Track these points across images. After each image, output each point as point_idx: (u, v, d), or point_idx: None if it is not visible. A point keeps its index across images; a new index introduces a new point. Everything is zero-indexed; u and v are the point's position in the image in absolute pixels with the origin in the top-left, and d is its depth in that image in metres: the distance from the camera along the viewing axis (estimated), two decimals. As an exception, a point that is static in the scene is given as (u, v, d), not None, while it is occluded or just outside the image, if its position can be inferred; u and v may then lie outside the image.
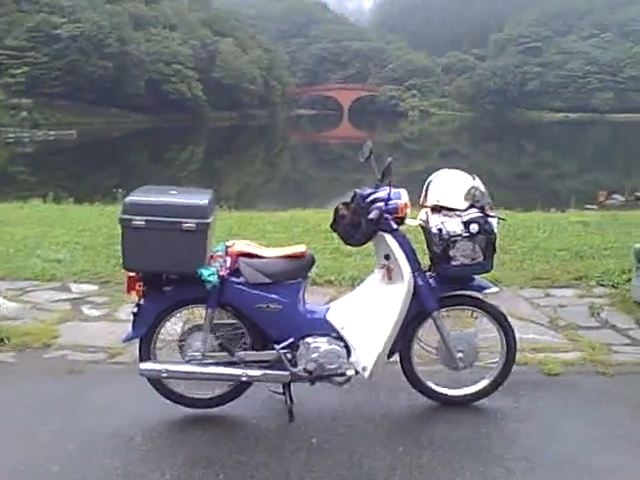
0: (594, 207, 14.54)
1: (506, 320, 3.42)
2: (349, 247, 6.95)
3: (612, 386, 3.75)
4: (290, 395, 3.36)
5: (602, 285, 5.59)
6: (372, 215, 3.12)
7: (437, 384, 3.48)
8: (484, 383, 3.48)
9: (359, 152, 3.47)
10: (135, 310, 3.21)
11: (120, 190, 11.41)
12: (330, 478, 2.84)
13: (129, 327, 3.29)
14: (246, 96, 70.62)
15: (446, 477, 2.85)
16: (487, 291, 3.35)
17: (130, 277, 3.16)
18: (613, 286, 5.53)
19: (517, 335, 3.48)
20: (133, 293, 3.19)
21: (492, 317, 3.40)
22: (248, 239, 6.91)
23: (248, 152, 39.88)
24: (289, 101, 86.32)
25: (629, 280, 5.51)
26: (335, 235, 7.92)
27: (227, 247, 3.34)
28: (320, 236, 7.54)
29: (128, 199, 3.00)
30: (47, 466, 2.91)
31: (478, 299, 3.40)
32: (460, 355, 3.37)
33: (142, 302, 3.20)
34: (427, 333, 3.47)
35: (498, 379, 3.47)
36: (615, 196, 17.73)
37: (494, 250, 3.24)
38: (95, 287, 5.46)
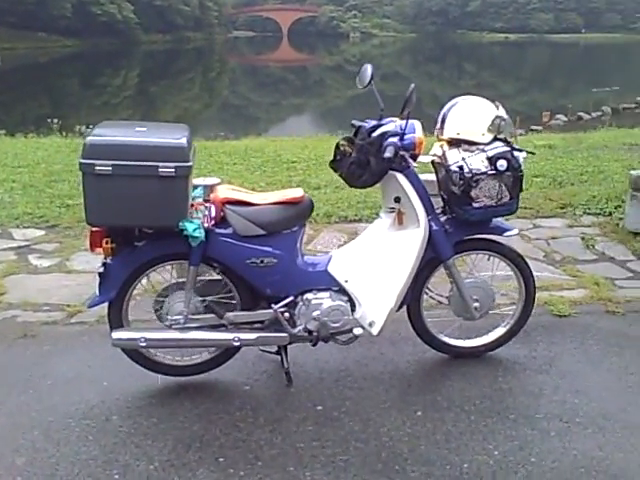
0: (539, 128, 14.42)
1: (526, 264, 3.07)
2: (317, 179, 6.59)
3: (626, 327, 3.49)
4: (286, 356, 2.97)
5: (589, 214, 5.33)
6: (388, 153, 2.64)
7: (448, 336, 3.13)
8: (499, 332, 3.15)
9: (356, 76, 2.98)
10: (101, 270, 2.69)
11: (56, 120, 10.53)
12: (347, 454, 2.47)
13: (95, 287, 2.78)
14: (180, 18, 67.16)
15: (477, 445, 2.51)
16: (508, 233, 2.98)
17: (94, 232, 2.62)
18: (600, 214, 5.28)
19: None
20: (98, 250, 2.66)
21: (510, 261, 3.04)
22: (204, 172, 6.34)
23: (184, 76, 38.11)
24: (226, 22, 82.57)
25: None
26: (301, 166, 7.45)
27: (205, 187, 2.84)
28: (282, 167, 7.05)
29: (89, 139, 2.42)
30: (9, 458, 2.43)
31: (495, 242, 3.02)
32: (476, 304, 3.01)
33: (110, 261, 2.68)
34: (437, 282, 3.10)
35: (514, 327, 3.14)
36: (558, 116, 17.66)
37: (520, 189, 2.84)
38: (41, 232, 4.86)
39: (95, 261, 4.20)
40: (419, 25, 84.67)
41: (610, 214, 5.19)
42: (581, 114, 18.07)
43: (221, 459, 2.44)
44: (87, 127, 10.27)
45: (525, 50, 63.91)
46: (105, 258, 2.68)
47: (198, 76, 40.16)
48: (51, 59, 44.19)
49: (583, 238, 4.80)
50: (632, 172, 4.76)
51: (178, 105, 26.11)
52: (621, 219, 4.95)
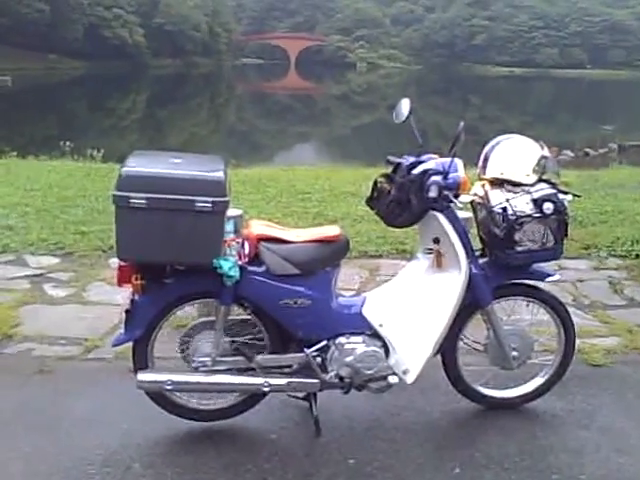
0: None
1: (567, 312, 2.95)
2: (333, 211, 6.48)
3: (665, 379, 3.36)
4: (315, 403, 2.83)
5: (614, 255, 5.22)
6: (432, 192, 2.54)
7: (484, 385, 2.99)
8: (537, 382, 3.02)
9: (392, 111, 2.89)
10: (129, 307, 2.58)
11: (68, 143, 10.49)
12: (383, 515, 2.33)
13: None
14: (190, 43, 67.99)
15: (521, 509, 2.38)
16: (550, 279, 2.86)
17: (123, 267, 2.51)
18: (626, 257, 5.17)
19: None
20: (127, 286, 2.55)
21: (551, 308, 2.92)
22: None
23: (192, 101, 38.30)
24: (234, 49, 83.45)
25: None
26: (316, 197, 7.33)
27: (235, 221, 2.74)
28: (296, 198, 6.94)
29: (125, 170, 2.33)
30: (25, 508, 2.30)
31: (536, 288, 2.91)
32: (515, 353, 2.88)
33: (138, 298, 2.57)
34: (472, 328, 2.98)
35: (553, 378, 3.01)
36: (565, 152, 17.64)
37: (566, 234, 2.73)
38: (56, 260, 4.74)
39: (112, 293, 4.11)
40: (425, 57, 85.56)
41: (637, 257, 5.07)
42: (588, 150, 18.08)
43: (250, 516, 2.30)
44: (97, 151, 10.20)
45: (530, 84, 64.37)
46: (133, 295, 2.57)
47: (206, 102, 40.41)
48: (61, 81, 44.53)
49: (610, 282, 4.67)
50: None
51: (185, 130, 26.21)
52: (649, 263, 4.84)
